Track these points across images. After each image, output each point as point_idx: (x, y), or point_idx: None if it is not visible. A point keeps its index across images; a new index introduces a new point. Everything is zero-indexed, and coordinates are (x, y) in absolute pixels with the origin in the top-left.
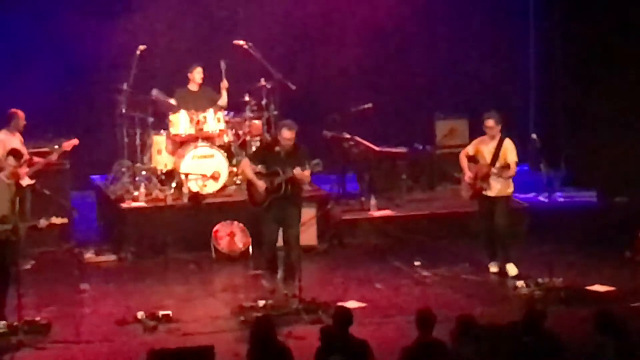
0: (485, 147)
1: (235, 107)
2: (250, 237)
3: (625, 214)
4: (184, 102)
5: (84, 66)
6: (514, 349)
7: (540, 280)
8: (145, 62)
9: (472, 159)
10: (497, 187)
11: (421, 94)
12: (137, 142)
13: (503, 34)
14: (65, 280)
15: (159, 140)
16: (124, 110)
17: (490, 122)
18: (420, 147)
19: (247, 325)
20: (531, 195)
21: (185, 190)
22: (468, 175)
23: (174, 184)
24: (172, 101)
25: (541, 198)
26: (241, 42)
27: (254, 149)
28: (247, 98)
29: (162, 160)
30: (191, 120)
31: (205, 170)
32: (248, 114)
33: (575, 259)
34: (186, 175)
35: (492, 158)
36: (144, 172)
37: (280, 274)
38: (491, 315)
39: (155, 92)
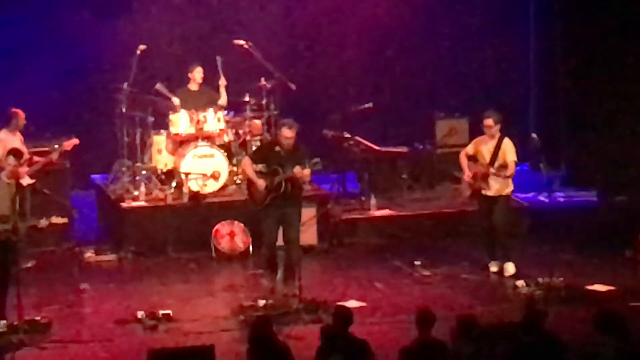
0: (484, 147)
1: (235, 106)
2: (251, 236)
3: (626, 214)
4: (184, 102)
5: (84, 66)
6: (514, 349)
7: (540, 279)
8: (145, 61)
9: (472, 159)
10: (496, 187)
11: (421, 93)
12: (138, 141)
13: (503, 34)
14: (65, 280)
15: (159, 140)
16: (124, 110)
17: (489, 121)
18: (421, 146)
19: (247, 324)
20: (531, 194)
21: (185, 189)
22: (467, 174)
23: (174, 184)
24: (175, 100)
25: (541, 198)
26: (241, 42)
27: (254, 148)
28: (247, 98)
29: (163, 160)
30: (191, 120)
31: (206, 169)
32: (248, 113)
33: (576, 258)
34: (186, 174)
35: (491, 157)
36: (144, 172)
37: (280, 273)
38: (491, 314)
39: (159, 86)
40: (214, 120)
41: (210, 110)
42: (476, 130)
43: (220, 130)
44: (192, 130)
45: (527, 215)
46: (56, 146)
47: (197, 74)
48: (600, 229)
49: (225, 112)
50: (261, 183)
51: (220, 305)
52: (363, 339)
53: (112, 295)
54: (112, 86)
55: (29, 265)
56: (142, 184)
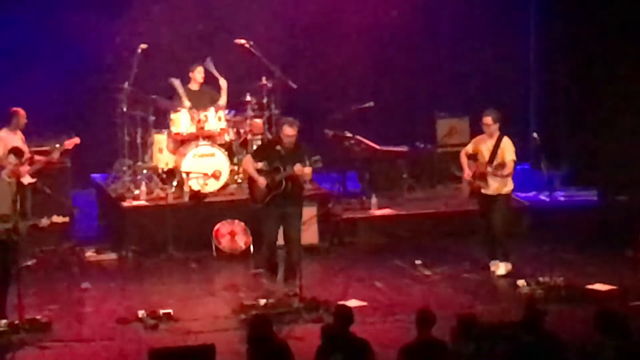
0: (484, 146)
1: (236, 105)
2: (251, 236)
3: (626, 213)
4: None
5: (85, 65)
6: (514, 348)
7: (541, 279)
8: (146, 61)
9: (472, 157)
10: (495, 186)
11: (422, 92)
12: (138, 140)
13: (504, 34)
14: (66, 279)
15: (160, 139)
16: (125, 109)
17: (487, 120)
18: (421, 145)
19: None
20: (532, 194)
21: (186, 189)
22: (467, 173)
23: (175, 183)
24: (186, 102)
25: (542, 197)
26: (242, 41)
27: (254, 147)
28: (248, 97)
29: (163, 159)
30: (192, 119)
31: (207, 169)
32: (249, 112)
33: (576, 257)
34: (187, 173)
35: (490, 156)
36: (145, 171)
37: (280, 272)
38: (492, 314)
39: (176, 83)
40: (215, 120)
41: (212, 109)
42: (477, 130)
43: (221, 129)
44: (193, 129)
45: (528, 215)
46: (57, 145)
47: (197, 73)
48: (600, 229)
49: (226, 111)
50: (262, 181)
51: (221, 304)
52: (364, 338)
53: (113, 294)
54: (113, 85)
55: (29, 263)
56: (143, 183)
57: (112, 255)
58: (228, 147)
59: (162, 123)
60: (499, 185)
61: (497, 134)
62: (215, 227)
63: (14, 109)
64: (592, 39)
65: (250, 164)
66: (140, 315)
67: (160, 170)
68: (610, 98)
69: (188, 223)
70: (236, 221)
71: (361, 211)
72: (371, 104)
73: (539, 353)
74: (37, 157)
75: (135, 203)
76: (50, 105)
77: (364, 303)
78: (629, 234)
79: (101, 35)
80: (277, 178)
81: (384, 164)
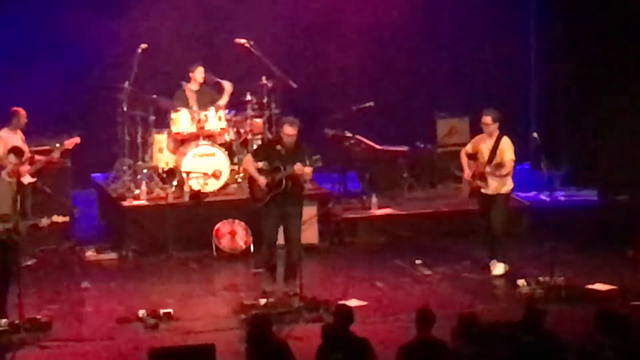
0: (484, 145)
1: (236, 105)
2: (252, 235)
3: (627, 213)
4: (185, 102)
5: (85, 64)
6: (514, 348)
7: (541, 278)
8: (146, 60)
9: (472, 157)
10: (494, 185)
11: (422, 92)
12: (139, 140)
13: (504, 34)
14: (66, 279)
15: (161, 139)
16: (125, 109)
17: (487, 119)
18: (422, 145)
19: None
20: (532, 193)
21: (186, 188)
22: (467, 173)
23: (175, 182)
24: (195, 107)
25: (542, 196)
26: (243, 41)
27: (255, 147)
28: (248, 96)
29: (164, 159)
30: (192, 119)
31: (207, 168)
32: (249, 112)
33: (576, 257)
34: (187, 173)
35: (489, 156)
36: (145, 171)
37: (281, 272)
38: (492, 313)
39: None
40: (215, 119)
41: (212, 109)
42: (477, 130)
43: (222, 129)
44: (193, 129)
45: (528, 214)
46: (57, 145)
47: (198, 74)
48: (600, 228)
49: (227, 110)
50: (262, 180)
51: (221, 304)
52: (364, 337)
53: (113, 294)
54: (113, 85)
55: (29, 263)
56: (143, 183)
57: (112, 255)
58: (228, 147)
59: (163, 123)
60: (498, 185)
61: (496, 133)
62: (216, 227)
63: (14, 108)
64: (592, 39)
65: (250, 164)
66: (140, 315)
67: (160, 170)
68: (610, 98)
69: (188, 223)
70: (236, 221)
71: (361, 211)
72: (371, 104)
73: (539, 353)
74: (37, 157)
75: (135, 203)
76: (50, 105)
77: (364, 303)
78: (629, 234)
79: (101, 35)
80: (278, 177)
81: (384, 164)
